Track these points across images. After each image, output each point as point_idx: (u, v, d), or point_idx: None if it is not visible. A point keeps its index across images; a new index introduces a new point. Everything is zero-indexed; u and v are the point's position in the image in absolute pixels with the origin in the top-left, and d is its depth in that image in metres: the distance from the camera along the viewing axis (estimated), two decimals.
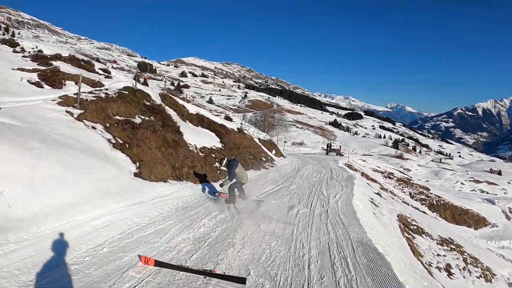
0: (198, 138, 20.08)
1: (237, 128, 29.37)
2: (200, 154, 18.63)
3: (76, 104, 15.69)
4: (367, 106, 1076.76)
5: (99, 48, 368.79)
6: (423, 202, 56.15)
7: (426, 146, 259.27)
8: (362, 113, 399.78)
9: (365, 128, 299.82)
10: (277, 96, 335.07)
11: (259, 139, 38.10)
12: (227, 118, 48.42)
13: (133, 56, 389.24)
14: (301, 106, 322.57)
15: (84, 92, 17.16)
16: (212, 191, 14.88)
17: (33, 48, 22.68)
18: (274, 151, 38.64)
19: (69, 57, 22.88)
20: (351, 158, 53.84)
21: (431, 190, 62.61)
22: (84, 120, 14.96)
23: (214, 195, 14.08)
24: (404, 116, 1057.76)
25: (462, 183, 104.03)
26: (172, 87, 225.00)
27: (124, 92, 18.31)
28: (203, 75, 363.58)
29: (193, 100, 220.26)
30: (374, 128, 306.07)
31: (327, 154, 61.30)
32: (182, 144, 17.44)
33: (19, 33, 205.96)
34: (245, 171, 13.69)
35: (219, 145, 22.20)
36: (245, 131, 31.71)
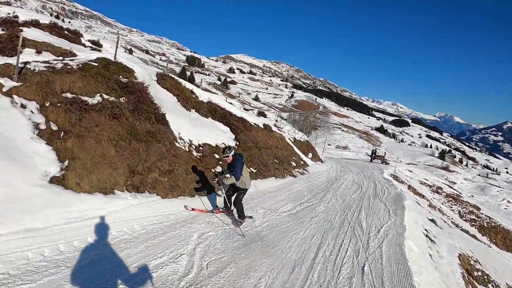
0: (199, 132, 14.85)
1: (263, 124, 23.92)
2: (194, 153, 13.36)
3: (14, 75, 10.83)
4: (415, 114, 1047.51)
5: (149, 41, 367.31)
6: (473, 223, 49.23)
7: (473, 159, 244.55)
8: (409, 121, 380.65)
9: (412, 136, 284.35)
10: (324, 98, 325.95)
11: (294, 139, 32.65)
12: (261, 113, 43.08)
13: (183, 50, 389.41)
14: (347, 109, 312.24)
15: (37, 62, 12.34)
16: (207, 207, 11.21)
17: (8, 13, 17.96)
18: (310, 155, 33.05)
19: (49, 24, 18.09)
20: (397, 168, 47.49)
21: (481, 210, 55.48)
22: (14, 96, 10.09)
23: (212, 212, 10.59)
24: (452, 127, 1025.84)
25: (509, 201, 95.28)
26: (218, 82, 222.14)
27: (92, 63, 13.18)
28: (251, 72, 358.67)
29: (239, 96, 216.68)
30: (420, 137, 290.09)
31: (371, 161, 54.94)
32: (163, 138, 12.20)
33: (69, 22, 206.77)
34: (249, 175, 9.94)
35: (232, 143, 16.95)
36: (275, 129, 26.26)
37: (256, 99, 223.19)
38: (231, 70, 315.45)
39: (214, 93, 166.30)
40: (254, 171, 16.94)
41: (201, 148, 14.12)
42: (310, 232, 10.04)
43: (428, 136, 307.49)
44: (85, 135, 9.92)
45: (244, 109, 53.83)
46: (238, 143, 17.64)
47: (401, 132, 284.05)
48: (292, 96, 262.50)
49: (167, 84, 16.68)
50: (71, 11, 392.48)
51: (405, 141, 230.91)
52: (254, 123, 22.24)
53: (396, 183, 26.58)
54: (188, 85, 19.32)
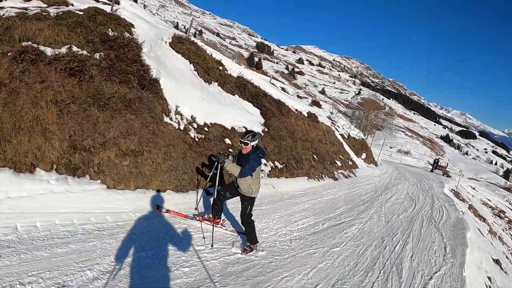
0: (211, 108, 11.32)
1: (308, 113, 19.99)
2: (191, 134, 9.86)
3: None
4: (483, 127, 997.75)
5: (221, 24, 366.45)
6: None
7: None
8: (477, 133, 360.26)
9: (477, 149, 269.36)
10: (391, 99, 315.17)
11: (348, 135, 28.52)
12: (315, 103, 38.86)
13: (253, 36, 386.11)
14: (414, 113, 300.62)
15: (14, 7, 9.49)
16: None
17: None
18: (364, 155, 28.77)
19: None
20: (459, 183, 41.85)
21: None
22: None
23: (194, 218, 7.37)
24: None
25: None
26: (286, 71, 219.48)
27: (76, 12, 9.92)
28: (320, 65, 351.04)
29: (305, 88, 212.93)
30: (486, 152, 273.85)
31: (432, 170, 49.33)
32: (142, 109, 8.87)
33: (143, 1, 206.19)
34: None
35: (258, 128, 13.29)
36: (323, 120, 22.29)
37: (323, 92, 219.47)
38: (300, 61, 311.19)
39: (281, 81, 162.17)
40: (280, 166, 13.20)
41: (205, 129, 10.59)
42: (312, 279, 6.23)
43: (494, 152, 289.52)
44: (21, 92, 6.91)
45: (298, 96, 49.99)
46: (267, 130, 14.01)
47: (466, 144, 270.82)
48: (359, 93, 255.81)
49: (183, 49, 13.17)
50: None
51: (470, 154, 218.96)
52: (296, 109, 18.38)
53: (457, 201, 21.89)
54: (217, 55, 15.75)
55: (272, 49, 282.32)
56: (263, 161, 11.69)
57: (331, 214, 10.38)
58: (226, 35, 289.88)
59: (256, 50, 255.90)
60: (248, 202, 6.52)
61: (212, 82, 13.41)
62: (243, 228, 6.69)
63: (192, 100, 10.88)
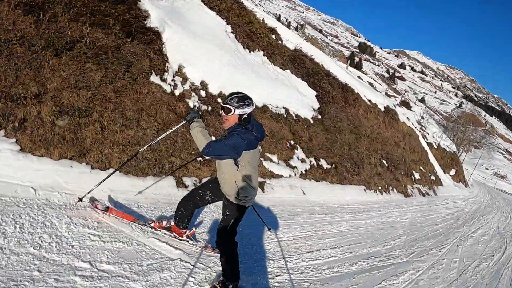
0: (239, 78, 8.35)
1: (385, 107, 16.23)
2: (187, 102, 6.98)
3: None
4: None
5: (325, 21, 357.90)
6: None
7: None
8: None
9: None
10: (493, 117, 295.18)
11: (438, 145, 24.35)
12: (404, 104, 34.04)
13: (356, 36, 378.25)
14: None
15: None
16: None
17: None
18: (452, 171, 24.33)
19: None
20: None
21: None
22: None
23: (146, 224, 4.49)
24: None
25: None
26: (386, 74, 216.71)
27: None
28: (422, 72, 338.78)
29: (404, 94, 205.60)
30: None
31: None
32: (124, 61, 6.52)
33: None
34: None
35: (308, 113, 10.09)
36: (405, 119, 18.47)
37: (422, 100, 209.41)
38: (402, 66, 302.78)
39: (381, 84, 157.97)
40: (326, 166, 9.79)
41: (218, 99, 7.58)
42: None
43: None
44: None
45: (387, 94, 45.23)
46: (320, 117, 10.67)
47: None
48: (460, 106, 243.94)
49: (221, 7, 10.29)
50: None
51: None
52: (369, 100, 14.74)
53: None
54: (270, 21, 12.62)
55: (374, 51, 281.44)
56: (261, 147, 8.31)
57: (376, 248, 6.82)
58: (328, 32, 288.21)
59: (357, 50, 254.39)
60: (230, 212, 3.82)
61: (256, 50, 10.38)
62: (220, 256, 3.90)
63: (212, 63, 7.96)
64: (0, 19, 5.56)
